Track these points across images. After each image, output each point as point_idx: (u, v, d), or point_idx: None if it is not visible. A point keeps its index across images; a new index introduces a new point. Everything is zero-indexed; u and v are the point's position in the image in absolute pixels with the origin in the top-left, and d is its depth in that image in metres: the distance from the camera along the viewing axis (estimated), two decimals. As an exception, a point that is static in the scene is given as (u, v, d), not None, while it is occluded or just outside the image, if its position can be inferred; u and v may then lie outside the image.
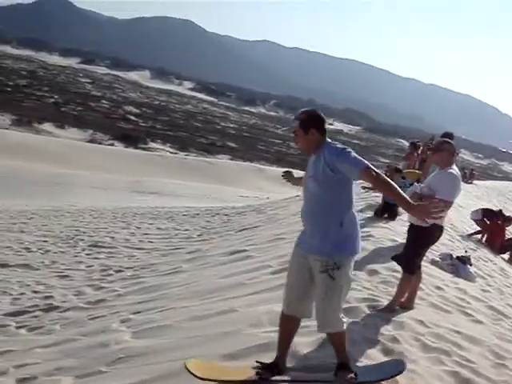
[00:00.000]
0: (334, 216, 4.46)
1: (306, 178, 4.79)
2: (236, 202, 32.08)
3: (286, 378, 4.63)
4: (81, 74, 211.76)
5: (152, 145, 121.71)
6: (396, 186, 4.32)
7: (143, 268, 11.44)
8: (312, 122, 4.53)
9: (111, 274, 11.21)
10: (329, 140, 4.58)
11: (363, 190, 16.11)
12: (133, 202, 29.95)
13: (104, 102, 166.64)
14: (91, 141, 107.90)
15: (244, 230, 14.60)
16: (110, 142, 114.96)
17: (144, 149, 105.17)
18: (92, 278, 11.10)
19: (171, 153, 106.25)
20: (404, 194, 4.29)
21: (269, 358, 4.93)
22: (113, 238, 15.49)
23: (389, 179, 4.36)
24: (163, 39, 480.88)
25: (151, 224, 17.77)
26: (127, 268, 11.62)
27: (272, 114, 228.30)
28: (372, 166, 4.35)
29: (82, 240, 15.51)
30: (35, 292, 10.51)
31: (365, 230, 10.50)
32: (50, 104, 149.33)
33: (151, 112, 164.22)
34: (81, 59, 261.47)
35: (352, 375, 4.48)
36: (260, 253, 10.67)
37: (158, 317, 7.63)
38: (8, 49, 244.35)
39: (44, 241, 15.87)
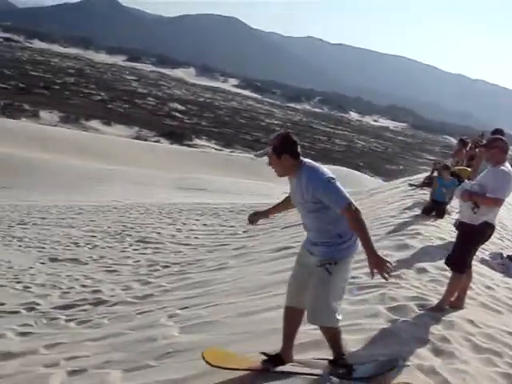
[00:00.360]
0: (332, 230, 4.56)
1: (293, 199, 4.91)
2: (281, 199, 32.04)
3: (285, 369, 4.75)
4: (127, 72, 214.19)
5: (197, 141, 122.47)
6: (367, 230, 4.36)
7: (190, 264, 11.52)
8: (284, 147, 4.56)
9: (158, 270, 11.32)
10: (306, 161, 4.62)
11: (410, 188, 15.92)
12: (178, 199, 30.17)
13: (150, 99, 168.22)
14: (137, 137, 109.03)
15: (289, 227, 14.54)
16: (156, 138, 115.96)
17: (189, 145, 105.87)
18: (139, 273, 11.22)
19: (216, 149, 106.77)
20: (371, 241, 4.32)
21: (318, 355, 4.92)
22: (159, 233, 15.64)
23: (364, 221, 4.37)
24: (208, 36, 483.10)
25: (197, 220, 17.87)
26: (174, 264, 11.71)
27: (317, 110, 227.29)
28: (353, 202, 4.41)
29: (130, 235, 15.70)
30: (84, 286, 10.68)
31: (412, 227, 10.41)
32: (96, 101, 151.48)
33: (196, 109, 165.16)
34: (127, 57, 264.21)
35: (344, 371, 4.56)
36: (306, 250, 10.61)
37: (205, 312, 7.67)
38: (56, 47, 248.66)
39: (92, 236, 16.13)
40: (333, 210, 4.48)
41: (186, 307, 8.17)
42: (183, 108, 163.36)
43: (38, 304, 9.86)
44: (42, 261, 13.44)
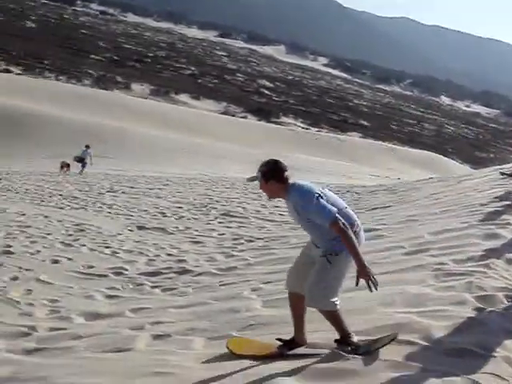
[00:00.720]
0: (332, 233, 4.81)
1: (291, 217, 5.46)
2: (366, 181, 31.74)
3: (298, 352, 5.06)
4: (218, 47, 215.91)
5: (284, 119, 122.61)
6: (355, 244, 4.68)
7: (273, 240, 11.56)
8: (271, 174, 4.97)
9: (242, 243, 11.43)
10: (294, 182, 4.98)
11: (501, 177, 15.40)
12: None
13: (239, 75, 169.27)
14: (225, 113, 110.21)
15: (375, 209, 14.37)
16: (243, 114, 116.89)
17: (276, 123, 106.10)
18: (223, 245, 11.36)
19: (303, 128, 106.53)
20: (360, 254, 4.68)
21: (404, 338, 4.86)
22: (244, 208, 15.78)
23: (351, 235, 4.69)
24: (300, 14, 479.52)
25: (282, 197, 17.90)
26: (258, 238, 11.79)
27: (407, 93, 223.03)
28: (339, 216, 4.72)
29: (215, 208, 15.92)
30: (169, 255, 10.92)
31: (504, 217, 10.06)
32: (187, 76, 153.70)
33: (284, 87, 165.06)
34: (218, 32, 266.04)
35: (349, 348, 4.80)
36: (392, 233, 10.47)
37: (288, 288, 7.70)
38: (149, 21, 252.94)
39: (178, 207, 16.45)
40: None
41: (269, 282, 8.21)
42: (271, 85, 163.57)
43: (125, 269, 10.17)
44: (129, 228, 13.83)
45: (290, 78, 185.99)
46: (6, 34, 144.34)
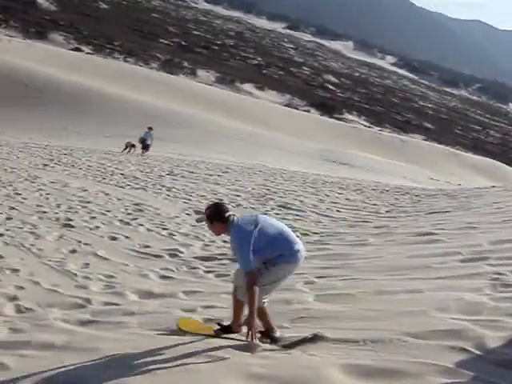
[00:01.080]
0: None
1: None
2: (426, 184, 31.28)
3: (230, 336, 5.85)
4: (285, 39, 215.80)
5: (347, 116, 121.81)
6: (254, 300, 5.34)
7: (329, 235, 11.53)
8: (214, 216, 5.74)
9: (297, 236, 11.38)
10: (234, 222, 5.67)
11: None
12: (323, 170, 30.24)
13: (305, 68, 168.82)
14: (288, 105, 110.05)
15: (434, 213, 14.16)
16: (306, 108, 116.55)
17: (338, 119, 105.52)
18: (279, 237, 11.36)
19: (365, 126, 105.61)
20: (254, 309, 5.33)
21: (456, 344, 4.82)
22: (301, 201, 15.76)
23: (254, 290, 5.35)
24: (370, 11, 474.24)
25: (340, 194, 17.82)
26: (313, 233, 11.77)
27: (474, 98, 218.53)
28: (252, 271, 5.39)
29: (272, 199, 15.95)
30: (224, 241, 10.98)
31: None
32: (252, 65, 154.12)
33: (350, 83, 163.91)
34: (287, 24, 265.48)
35: (269, 341, 5.65)
36: (450, 238, 10.31)
37: (341, 285, 7.69)
38: (219, 9, 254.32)
39: (236, 195, 16.55)
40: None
41: (323, 277, 8.21)
42: (337, 81, 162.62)
43: (181, 252, 10.31)
44: (187, 212, 13.98)
45: (356, 74, 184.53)
46: (80, 14, 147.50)
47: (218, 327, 5.98)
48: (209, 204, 6.15)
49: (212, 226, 5.86)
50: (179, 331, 6.03)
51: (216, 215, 5.74)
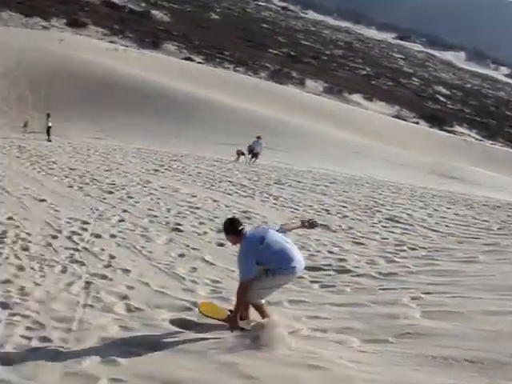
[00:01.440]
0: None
1: None
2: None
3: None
4: (395, 50, 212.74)
5: (457, 128, 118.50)
6: (241, 305, 6.57)
7: (437, 251, 11.26)
8: (227, 230, 6.79)
9: (405, 250, 11.22)
10: (245, 235, 6.64)
11: None
12: (432, 184, 29.59)
13: (414, 79, 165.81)
14: (396, 116, 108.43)
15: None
16: (415, 120, 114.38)
17: (448, 131, 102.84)
18: (385, 250, 11.23)
19: (476, 139, 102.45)
20: (238, 311, 6.57)
21: None
22: (410, 215, 15.47)
23: (243, 297, 6.50)
24: (482, 19, 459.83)
25: (449, 208, 17.38)
26: (421, 247, 11.53)
27: None
28: (248, 280, 6.42)
29: (380, 212, 15.76)
30: (330, 252, 10.97)
31: None
32: (361, 76, 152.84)
33: (461, 95, 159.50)
34: (397, 34, 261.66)
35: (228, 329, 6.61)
36: None
37: (450, 302, 7.51)
38: (329, 19, 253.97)
39: (343, 206, 16.47)
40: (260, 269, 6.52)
41: (430, 293, 8.04)
42: (448, 92, 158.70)
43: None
44: (293, 221, 14.02)
45: (468, 86, 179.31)
46: (192, 25, 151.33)
47: (229, 313, 6.87)
48: (226, 219, 7.11)
49: (228, 238, 6.89)
50: (200, 315, 6.95)
51: (230, 229, 6.74)
